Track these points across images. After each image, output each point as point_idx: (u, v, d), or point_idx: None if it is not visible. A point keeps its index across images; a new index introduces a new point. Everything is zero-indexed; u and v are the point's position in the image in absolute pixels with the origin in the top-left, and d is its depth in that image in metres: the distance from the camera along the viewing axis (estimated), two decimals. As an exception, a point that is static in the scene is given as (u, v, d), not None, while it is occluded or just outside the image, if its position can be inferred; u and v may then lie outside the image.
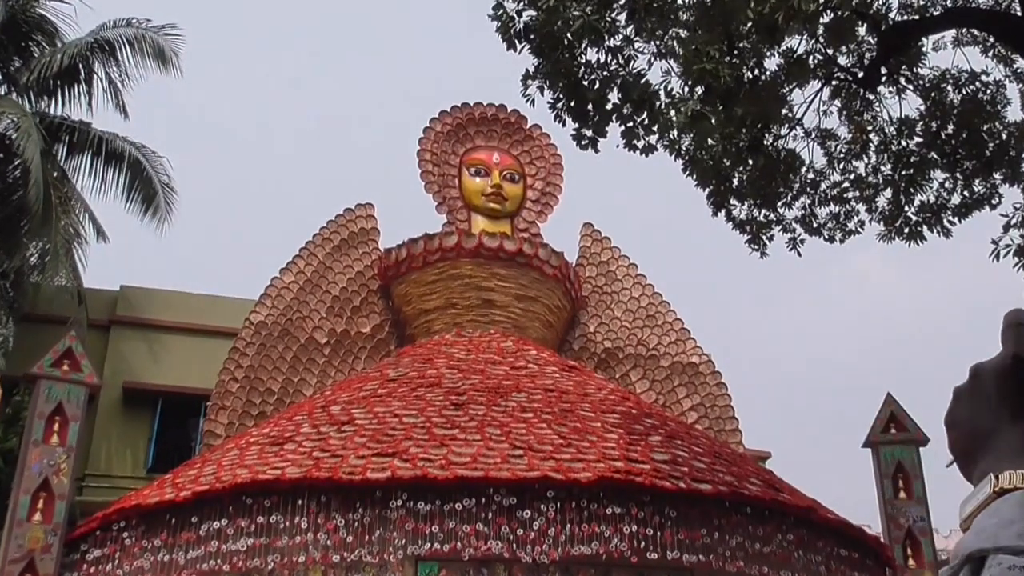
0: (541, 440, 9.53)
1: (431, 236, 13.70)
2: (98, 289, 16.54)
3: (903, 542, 11.19)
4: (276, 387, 13.40)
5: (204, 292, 17.26)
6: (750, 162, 9.05)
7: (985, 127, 9.02)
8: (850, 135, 9.52)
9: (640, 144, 8.27)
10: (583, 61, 7.99)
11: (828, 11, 7.77)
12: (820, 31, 8.40)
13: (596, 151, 8.25)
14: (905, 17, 8.98)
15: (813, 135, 9.50)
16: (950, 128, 9.16)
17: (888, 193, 9.45)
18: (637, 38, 8.02)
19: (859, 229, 9.62)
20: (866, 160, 9.54)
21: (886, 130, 9.42)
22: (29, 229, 14.76)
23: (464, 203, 14.21)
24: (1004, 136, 9.06)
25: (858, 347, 53.75)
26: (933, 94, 9.17)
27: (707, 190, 9.23)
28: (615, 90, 8.01)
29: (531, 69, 8.06)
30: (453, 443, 9.38)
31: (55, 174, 15.62)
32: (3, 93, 16.34)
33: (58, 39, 16.59)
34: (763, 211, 9.48)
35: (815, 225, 9.63)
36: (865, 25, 8.72)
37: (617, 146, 8.27)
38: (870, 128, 9.44)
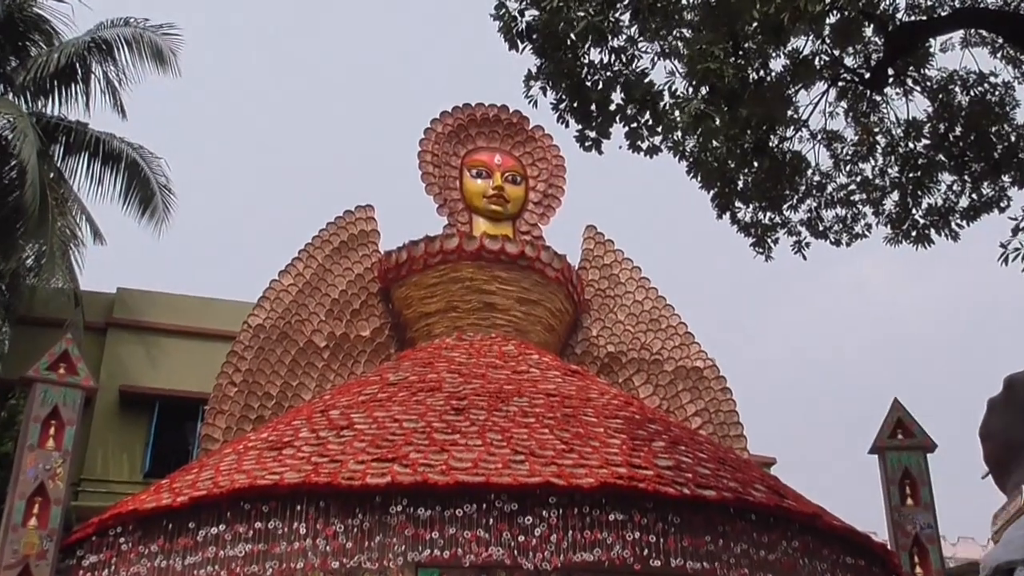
0: (543, 445, 9.44)
1: (432, 238, 13.60)
2: (95, 291, 16.40)
3: (910, 549, 11.09)
4: (274, 391, 13.29)
5: (202, 295, 17.13)
6: (755, 164, 8.98)
7: (993, 129, 8.94)
8: (857, 137, 9.44)
9: (644, 145, 8.18)
10: (586, 61, 7.90)
11: (834, 11, 7.68)
12: (826, 32, 8.30)
13: (600, 152, 8.17)
14: (912, 18, 8.90)
15: (819, 137, 9.43)
16: (958, 130, 9.08)
17: (895, 196, 9.37)
18: (641, 38, 7.92)
19: (866, 232, 9.55)
20: (873, 162, 9.47)
21: (893, 132, 9.34)
22: (25, 231, 14.64)
23: (465, 205, 14.11)
24: (1013, 138, 8.98)
25: (865, 352, 53.73)
26: (941, 96, 9.09)
27: (712, 192, 9.16)
28: (619, 91, 7.92)
29: (533, 69, 7.97)
30: (454, 448, 9.29)
31: (52, 175, 15.50)
32: None
33: (55, 38, 16.48)
34: (768, 214, 9.41)
35: (821, 228, 9.56)
36: (872, 26, 8.64)
37: (620, 147, 8.19)
38: (877, 130, 9.36)
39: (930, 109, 9.20)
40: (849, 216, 9.59)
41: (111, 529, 9.58)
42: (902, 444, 11.62)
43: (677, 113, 7.97)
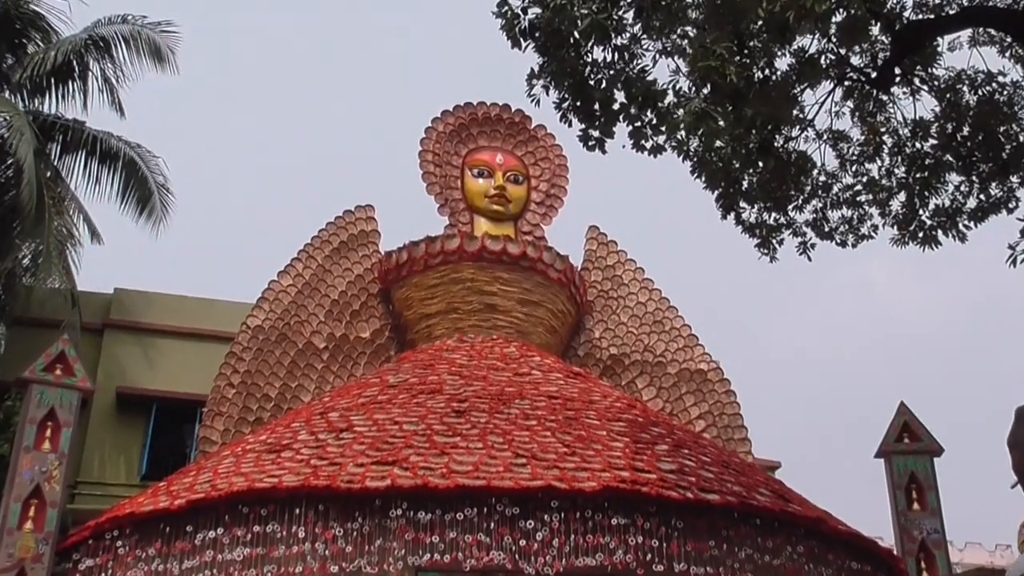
0: (545, 448, 9.36)
1: (432, 239, 13.51)
2: (92, 292, 16.29)
3: (917, 555, 11.05)
4: (273, 393, 13.21)
5: (200, 295, 17.03)
6: (760, 164, 8.88)
7: (1002, 129, 8.83)
8: (863, 137, 9.34)
9: (648, 145, 8.08)
10: (589, 60, 7.81)
11: (841, 10, 7.57)
12: (832, 30, 8.21)
13: (603, 152, 8.06)
14: (920, 16, 8.79)
15: (825, 137, 9.32)
16: (966, 130, 8.98)
17: (902, 196, 9.27)
18: (645, 36, 7.83)
19: (872, 233, 9.45)
20: (879, 162, 9.36)
21: (900, 132, 9.23)
22: (21, 230, 14.55)
23: (466, 205, 14.02)
24: (1021, 138, 8.88)
25: (872, 354, 53.64)
26: (948, 95, 8.99)
27: (716, 192, 9.05)
28: (622, 89, 7.83)
29: (536, 68, 7.87)
30: (454, 451, 9.22)
31: (48, 174, 15.41)
32: (-4, 91, 16.13)
33: (52, 36, 16.38)
34: (773, 214, 9.30)
35: (827, 229, 9.45)
36: (879, 24, 8.53)
37: (624, 147, 8.09)
38: (883, 130, 9.26)
39: (937, 109, 9.10)
40: (855, 217, 9.48)
41: (108, 532, 9.52)
42: (909, 448, 11.57)
43: (680, 112, 7.88)
